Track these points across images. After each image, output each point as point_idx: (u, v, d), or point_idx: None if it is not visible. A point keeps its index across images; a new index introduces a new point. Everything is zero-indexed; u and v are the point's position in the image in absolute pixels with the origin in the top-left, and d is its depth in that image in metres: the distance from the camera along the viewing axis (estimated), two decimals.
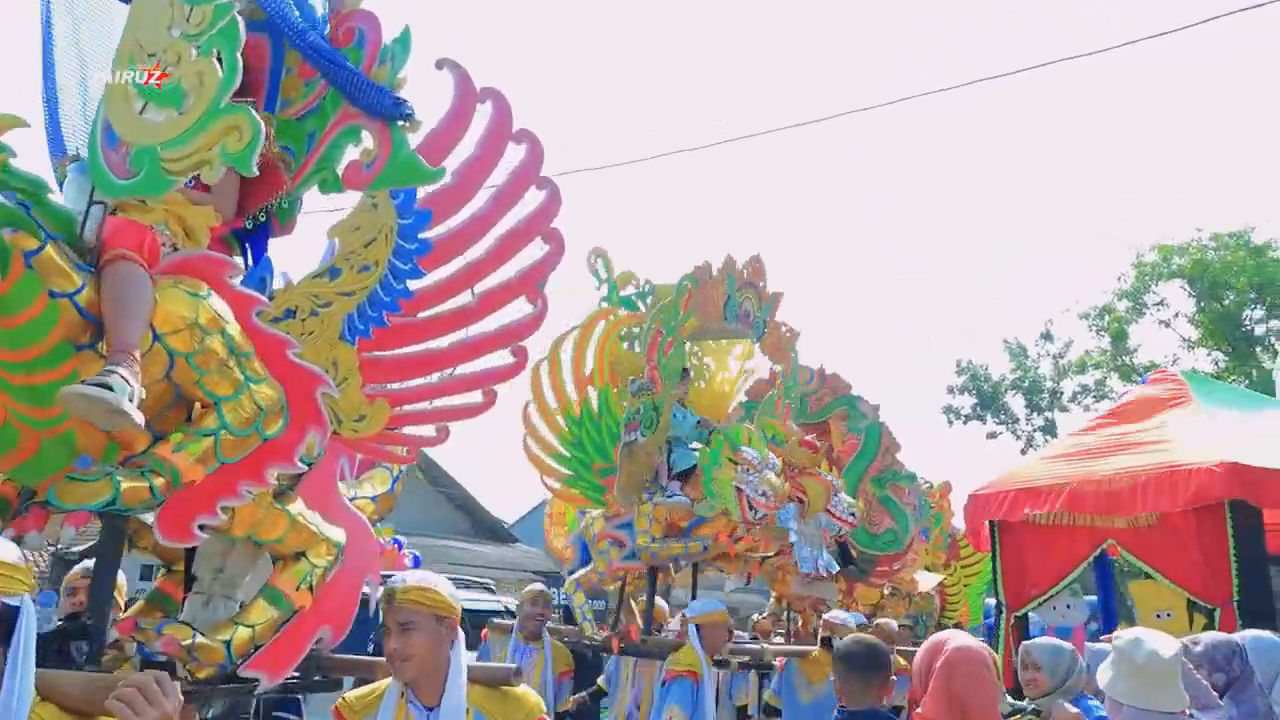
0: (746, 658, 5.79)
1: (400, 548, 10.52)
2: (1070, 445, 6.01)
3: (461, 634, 2.24)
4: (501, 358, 3.03)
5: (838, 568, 6.58)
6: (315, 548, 2.76)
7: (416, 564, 10.64)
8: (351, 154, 2.74)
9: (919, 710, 2.96)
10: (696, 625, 4.84)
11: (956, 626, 10.51)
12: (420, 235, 2.82)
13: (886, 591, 9.25)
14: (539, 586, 6.23)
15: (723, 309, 6.23)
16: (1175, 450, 5.16)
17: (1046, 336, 24.71)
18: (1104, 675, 2.88)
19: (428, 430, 3.08)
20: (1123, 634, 2.96)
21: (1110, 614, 6.79)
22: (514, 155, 2.92)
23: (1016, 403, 24.90)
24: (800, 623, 7.38)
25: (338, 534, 2.85)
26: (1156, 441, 5.37)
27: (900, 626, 8.51)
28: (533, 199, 2.97)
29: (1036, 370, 24.78)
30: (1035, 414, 24.66)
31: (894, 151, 59.66)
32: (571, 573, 6.47)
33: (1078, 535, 5.72)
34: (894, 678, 3.01)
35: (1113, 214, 47.22)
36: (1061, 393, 24.34)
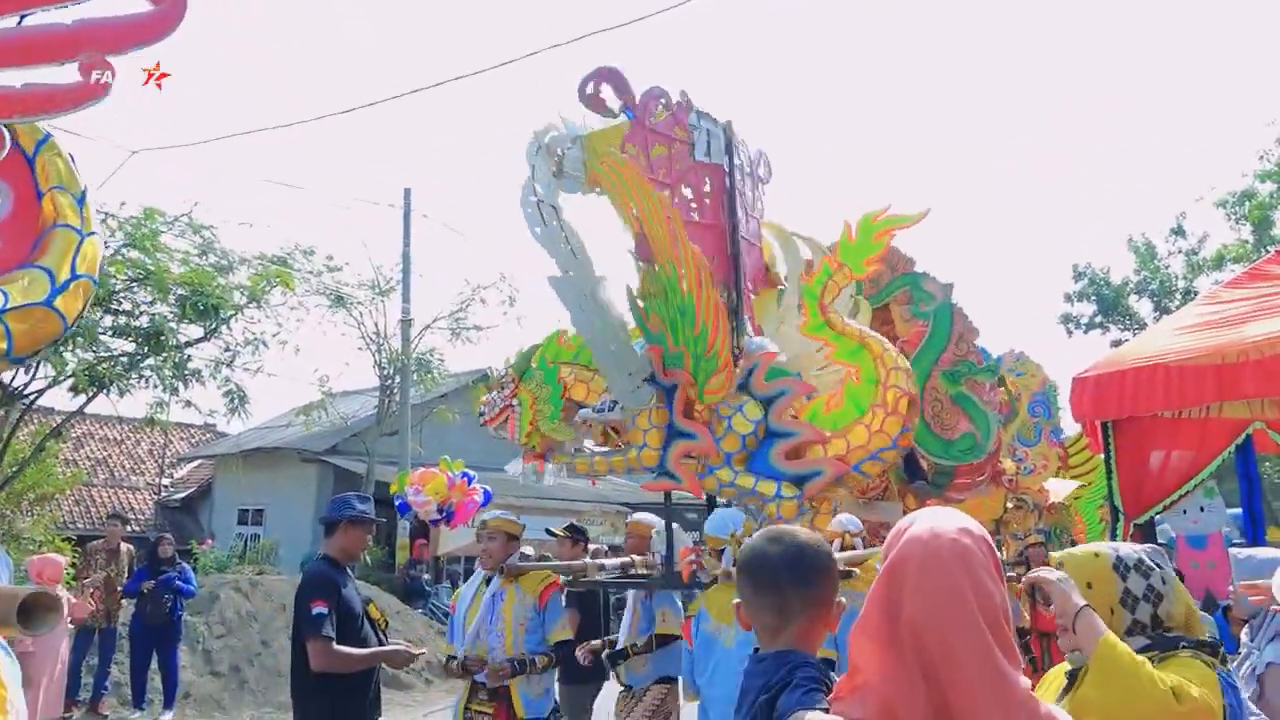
0: None
1: (471, 482, 9.89)
2: (1199, 315, 4.88)
3: None
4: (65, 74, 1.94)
5: None
6: None
7: (488, 499, 10.00)
8: None
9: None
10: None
11: (1072, 544, 9.45)
12: None
13: (1010, 504, 8.33)
14: None
15: None
16: None
17: (1177, 231, 22.57)
18: None
19: None
20: None
21: (1259, 521, 5.60)
22: None
23: (1143, 307, 23.02)
24: None
25: None
26: None
27: (1032, 545, 7.55)
28: None
29: (1167, 270, 22.69)
30: (1166, 317, 22.59)
31: (1003, 23, 55.45)
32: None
33: (1211, 423, 4.66)
34: (841, 599, 1.72)
35: (1249, 83, 42.61)
36: (1196, 292, 22.25)
